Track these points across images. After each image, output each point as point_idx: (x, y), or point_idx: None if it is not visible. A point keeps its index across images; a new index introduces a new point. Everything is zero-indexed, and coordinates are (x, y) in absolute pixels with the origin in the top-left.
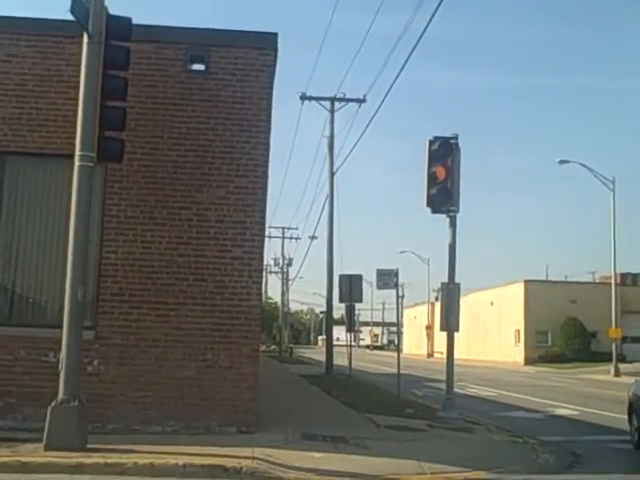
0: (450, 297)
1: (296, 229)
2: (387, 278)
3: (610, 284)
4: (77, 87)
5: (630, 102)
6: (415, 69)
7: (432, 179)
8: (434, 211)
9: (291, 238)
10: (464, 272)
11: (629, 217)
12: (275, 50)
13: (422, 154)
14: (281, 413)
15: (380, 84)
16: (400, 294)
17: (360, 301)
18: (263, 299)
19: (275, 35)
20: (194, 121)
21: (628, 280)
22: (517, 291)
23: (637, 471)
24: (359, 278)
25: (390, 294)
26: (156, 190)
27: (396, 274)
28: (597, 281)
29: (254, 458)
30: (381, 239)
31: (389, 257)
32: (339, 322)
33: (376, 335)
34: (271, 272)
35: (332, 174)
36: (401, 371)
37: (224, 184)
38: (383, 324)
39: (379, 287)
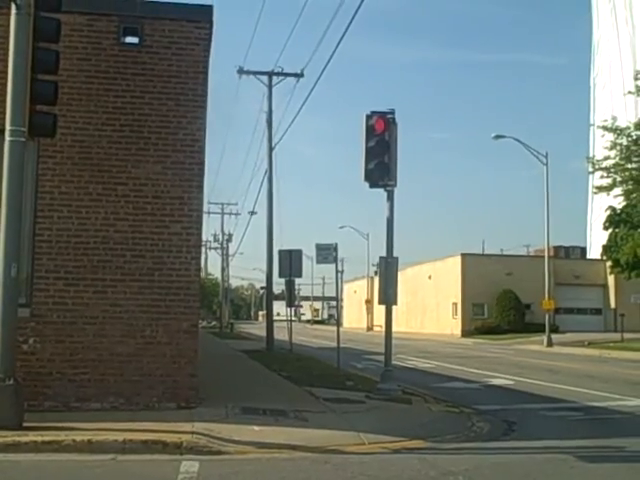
0: (388, 271)
1: (236, 204)
2: (326, 253)
3: (544, 257)
4: (6, 60)
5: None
6: (354, 44)
7: (369, 154)
8: (372, 185)
9: (230, 214)
10: (403, 246)
11: (562, 191)
12: (211, 23)
13: (360, 129)
14: (221, 388)
15: (320, 60)
16: (340, 269)
17: (300, 276)
18: (203, 275)
19: (210, 8)
20: (129, 95)
21: (561, 253)
22: (454, 264)
23: (566, 437)
24: (299, 253)
25: (330, 269)
26: (91, 166)
27: (335, 249)
28: (531, 254)
29: (194, 433)
30: (321, 214)
31: (329, 232)
32: (279, 297)
33: (317, 310)
34: (211, 248)
35: (271, 149)
36: (341, 345)
37: (161, 159)
38: (323, 298)
39: (318, 262)
